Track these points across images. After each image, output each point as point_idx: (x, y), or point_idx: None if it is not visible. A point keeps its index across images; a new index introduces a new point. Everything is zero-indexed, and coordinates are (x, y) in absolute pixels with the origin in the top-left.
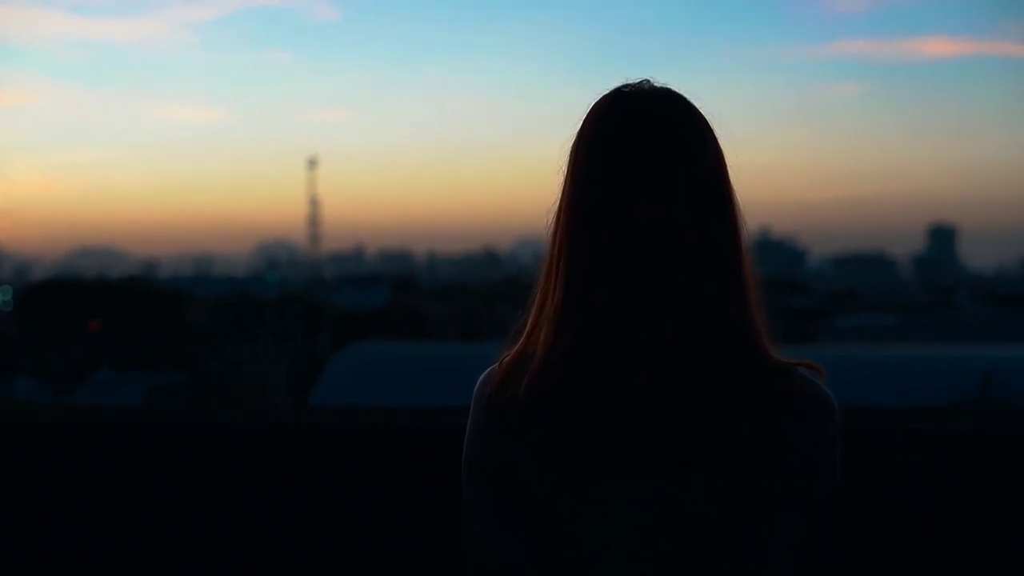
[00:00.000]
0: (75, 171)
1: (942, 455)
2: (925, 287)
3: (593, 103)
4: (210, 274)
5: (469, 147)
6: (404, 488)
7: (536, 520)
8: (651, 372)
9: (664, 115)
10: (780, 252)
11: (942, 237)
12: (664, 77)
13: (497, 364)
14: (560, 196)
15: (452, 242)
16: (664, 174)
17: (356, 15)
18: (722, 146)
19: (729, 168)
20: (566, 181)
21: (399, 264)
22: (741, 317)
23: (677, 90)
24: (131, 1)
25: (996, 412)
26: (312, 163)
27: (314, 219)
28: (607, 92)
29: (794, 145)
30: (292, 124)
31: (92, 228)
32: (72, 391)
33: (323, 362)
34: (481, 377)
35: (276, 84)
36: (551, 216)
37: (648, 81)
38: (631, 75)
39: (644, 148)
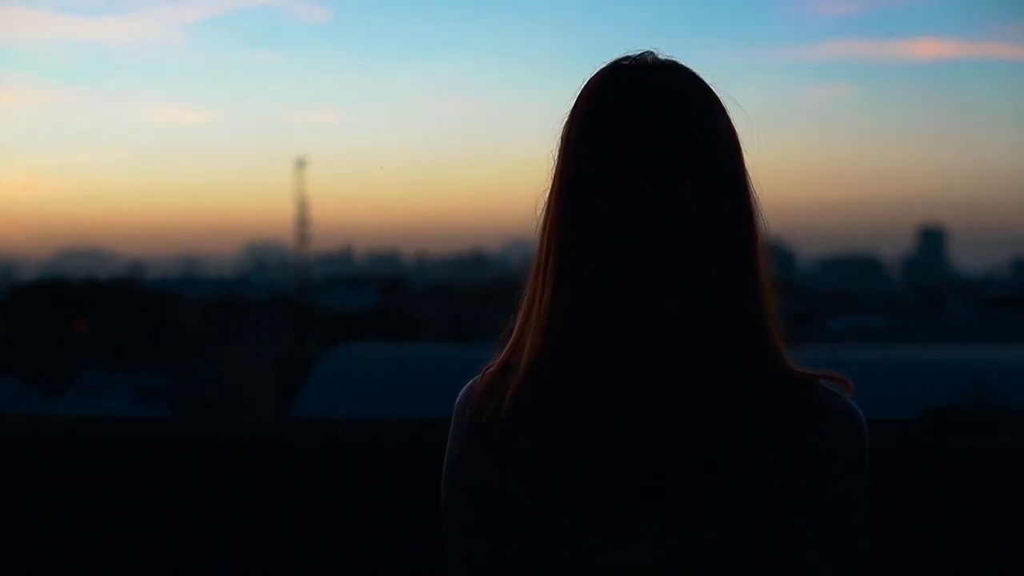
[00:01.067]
0: (62, 171)
1: (969, 472)
2: (915, 289)
3: (589, 77)
4: (198, 275)
5: (458, 148)
6: (404, 488)
7: (527, 526)
8: (653, 346)
9: (667, 87)
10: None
11: (932, 239)
12: None
13: (479, 376)
14: (551, 179)
15: (441, 243)
16: (667, 146)
17: (345, 16)
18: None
19: (744, 153)
20: (558, 161)
21: (388, 265)
22: (753, 310)
23: (683, 63)
24: (120, 1)
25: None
26: (301, 164)
27: (303, 220)
28: (605, 65)
29: (783, 146)
30: (281, 125)
31: (80, 229)
32: (59, 392)
33: (312, 363)
34: (463, 390)
35: (265, 85)
36: (540, 205)
37: (651, 53)
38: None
39: (645, 120)
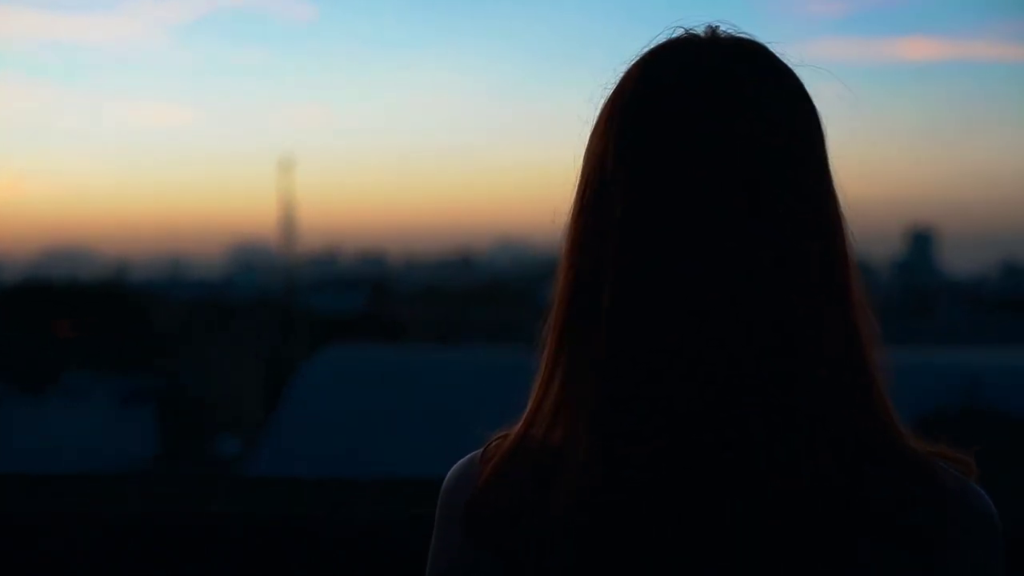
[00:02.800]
0: (46, 172)
1: None
2: (905, 292)
3: (634, 60)
4: (184, 276)
5: (447, 148)
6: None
7: None
8: (683, 335)
9: (728, 68)
10: None
11: (922, 241)
12: None
13: (481, 452)
14: (575, 193)
15: (428, 243)
16: (716, 131)
17: (333, 15)
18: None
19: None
20: (583, 164)
21: (376, 267)
22: (805, 313)
23: (759, 40)
24: None
25: None
26: (288, 164)
27: (289, 221)
28: (657, 43)
29: None
30: (268, 125)
31: (64, 229)
32: (41, 393)
33: (297, 366)
34: (453, 470)
35: (251, 84)
36: (561, 242)
37: (713, 27)
38: (606, 76)
39: (695, 103)
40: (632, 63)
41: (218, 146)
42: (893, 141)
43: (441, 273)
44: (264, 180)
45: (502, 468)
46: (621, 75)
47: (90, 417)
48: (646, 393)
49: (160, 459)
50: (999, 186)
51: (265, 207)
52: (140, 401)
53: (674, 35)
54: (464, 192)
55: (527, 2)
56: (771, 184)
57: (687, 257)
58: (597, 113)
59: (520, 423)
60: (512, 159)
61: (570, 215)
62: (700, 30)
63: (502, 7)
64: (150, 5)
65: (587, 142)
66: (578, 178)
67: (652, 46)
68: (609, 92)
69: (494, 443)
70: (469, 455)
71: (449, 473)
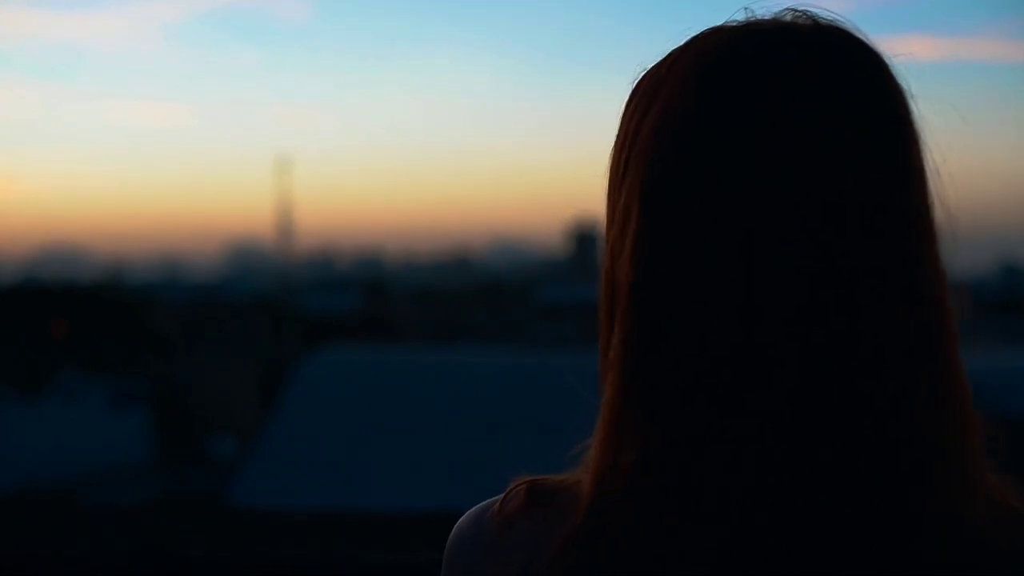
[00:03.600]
0: (43, 171)
1: None
2: None
3: (677, 49)
4: (180, 276)
5: (443, 148)
6: None
7: None
8: (743, 320)
9: (804, 63)
10: None
11: None
12: None
13: (498, 503)
14: (613, 191)
15: (424, 244)
16: (786, 139)
17: (327, 14)
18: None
19: (926, 158)
20: (626, 158)
21: (372, 267)
22: (875, 314)
23: (852, 30)
24: None
25: None
26: (284, 165)
27: (286, 222)
28: (729, 23)
29: None
30: (262, 124)
31: (58, 228)
32: (36, 393)
33: (293, 367)
34: (464, 524)
35: (246, 84)
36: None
37: (800, 12)
38: (606, 76)
39: (763, 100)
40: (677, 55)
41: (215, 146)
42: None
43: (438, 273)
44: (261, 181)
45: (573, 558)
46: (661, 70)
47: (85, 418)
48: (685, 389)
49: (155, 460)
50: (999, 186)
51: (261, 208)
52: (135, 402)
53: (739, 18)
54: (461, 192)
55: (526, 5)
56: (851, 192)
57: (727, 257)
58: (625, 120)
59: (588, 483)
60: (510, 159)
61: (613, 224)
62: (786, 14)
63: (501, 8)
64: (149, 5)
65: (613, 157)
66: (609, 190)
67: (706, 32)
68: (647, 93)
69: (513, 491)
70: (480, 505)
71: (458, 525)
